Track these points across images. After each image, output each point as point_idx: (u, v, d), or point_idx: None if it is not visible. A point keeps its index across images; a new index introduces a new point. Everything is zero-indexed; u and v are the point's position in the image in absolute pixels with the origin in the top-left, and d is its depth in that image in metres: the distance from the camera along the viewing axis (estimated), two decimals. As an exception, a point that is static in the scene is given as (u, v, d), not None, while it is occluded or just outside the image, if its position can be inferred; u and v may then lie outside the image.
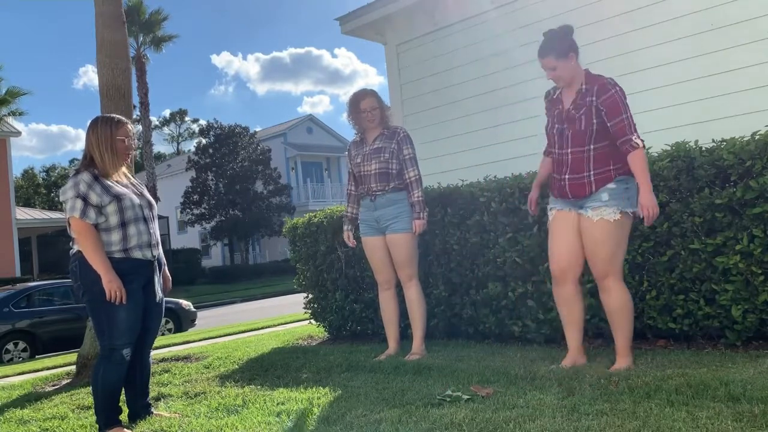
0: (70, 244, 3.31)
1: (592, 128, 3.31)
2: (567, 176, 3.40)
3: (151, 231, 3.37)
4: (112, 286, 3.12)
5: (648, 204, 3.16)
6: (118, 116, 3.42)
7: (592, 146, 3.32)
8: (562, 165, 3.43)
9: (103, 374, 3.22)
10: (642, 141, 3.27)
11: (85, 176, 3.21)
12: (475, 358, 3.96)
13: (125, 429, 3.26)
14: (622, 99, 3.30)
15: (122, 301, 3.15)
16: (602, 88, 3.31)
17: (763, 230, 3.40)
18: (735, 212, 3.51)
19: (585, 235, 3.38)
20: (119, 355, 3.22)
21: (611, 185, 3.30)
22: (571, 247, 3.45)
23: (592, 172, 3.32)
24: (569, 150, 3.39)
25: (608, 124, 3.28)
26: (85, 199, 3.17)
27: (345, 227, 4.63)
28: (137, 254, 3.28)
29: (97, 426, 3.26)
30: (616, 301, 3.37)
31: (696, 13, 5.43)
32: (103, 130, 3.31)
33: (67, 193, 3.20)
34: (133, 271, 3.26)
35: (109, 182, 3.27)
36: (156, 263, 3.41)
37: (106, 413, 3.23)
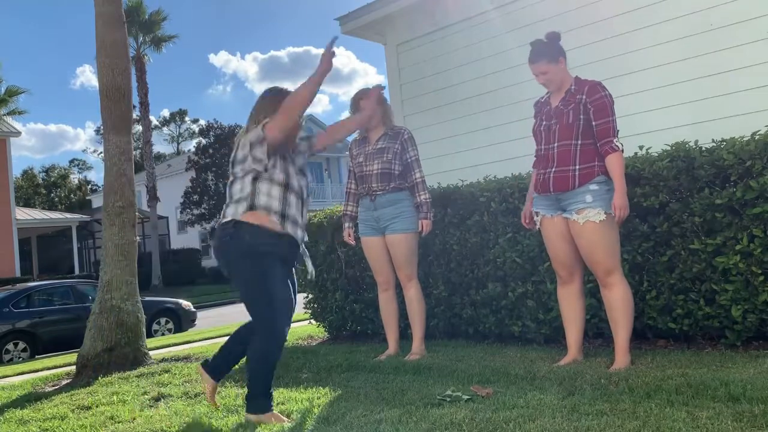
0: (220, 216, 3.15)
1: (579, 123, 3.42)
2: (553, 169, 3.49)
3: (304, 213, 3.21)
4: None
5: (621, 205, 3.30)
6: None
7: (579, 141, 3.43)
8: (548, 160, 3.52)
9: (265, 352, 3.07)
10: (622, 145, 3.39)
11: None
12: (475, 358, 3.96)
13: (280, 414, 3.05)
14: (610, 103, 3.43)
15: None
16: (593, 89, 3.45)
17: (763, 230, 3.40)
18: (735, 212, 3.51)
19: (578, 240, 3.45)
20: (280, 330, 3.10)
21: (594, 186, 3.38)
22: (568, 249, 3.54)
23: (577, 167, 3.42)
24: (556, 144, 3.49)
25: (593, 123, 3.40)
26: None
27: (345, 225, 4.59)
28: (290, 229, 3.09)
29: (250, 412, 3.04)
30: (619, 294, 3.41)
31: (695, 13, 5.43)
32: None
33: (249, 135, 3.10)
34: (289, 251, 3.13)
35: None
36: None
37: (265, 395, 3.05)
